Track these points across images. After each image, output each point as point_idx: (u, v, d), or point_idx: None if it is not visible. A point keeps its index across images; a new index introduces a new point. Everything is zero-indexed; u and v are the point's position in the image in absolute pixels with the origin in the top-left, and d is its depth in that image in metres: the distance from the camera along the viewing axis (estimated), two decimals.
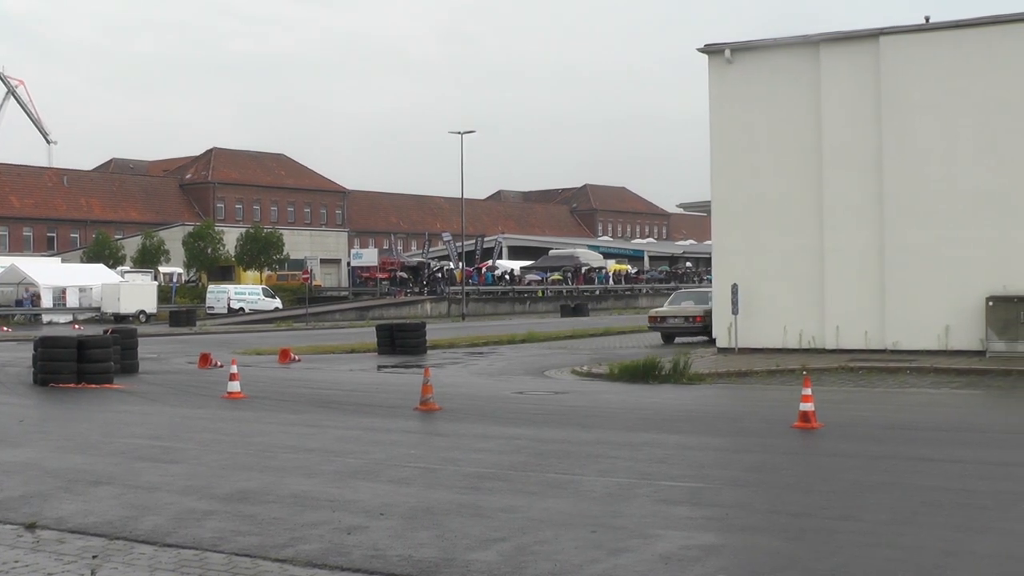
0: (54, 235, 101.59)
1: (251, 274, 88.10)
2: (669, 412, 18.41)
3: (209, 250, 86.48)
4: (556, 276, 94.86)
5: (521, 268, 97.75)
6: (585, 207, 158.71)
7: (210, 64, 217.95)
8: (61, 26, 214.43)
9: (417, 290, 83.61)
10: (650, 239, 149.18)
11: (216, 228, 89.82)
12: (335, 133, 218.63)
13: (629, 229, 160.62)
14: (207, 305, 72.98)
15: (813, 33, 30.56)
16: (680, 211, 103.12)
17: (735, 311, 29.97)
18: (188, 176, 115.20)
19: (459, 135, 74.69)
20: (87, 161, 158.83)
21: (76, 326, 56.38)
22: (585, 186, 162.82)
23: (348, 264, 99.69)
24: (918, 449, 13.90)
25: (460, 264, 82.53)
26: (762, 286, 30.20)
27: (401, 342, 35.29)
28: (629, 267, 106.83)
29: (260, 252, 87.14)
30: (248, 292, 75.90)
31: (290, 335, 51.22)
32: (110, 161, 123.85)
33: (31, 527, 9.61)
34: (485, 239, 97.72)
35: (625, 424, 16.58)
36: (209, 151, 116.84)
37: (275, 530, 9.37)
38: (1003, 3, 29.81)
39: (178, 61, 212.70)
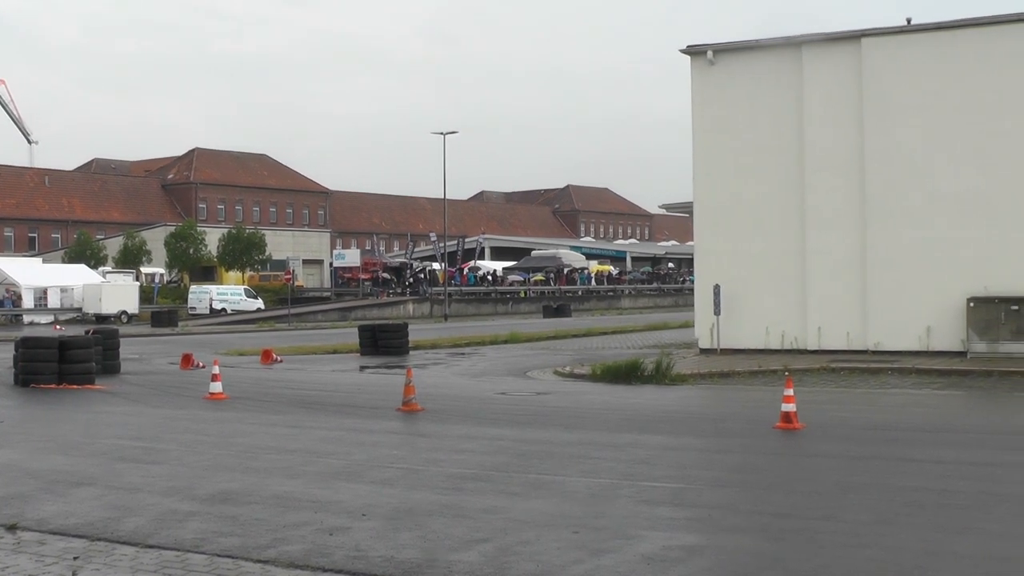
0: (35, 235, 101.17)
1: (233, 274, 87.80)
2: (651, 413, 18.43)
3: (191, 250, 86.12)
4: (538, 277, 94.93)
5: (503, 269, 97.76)
6: (567, 208, 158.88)
7: (192, 64, 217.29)
8: (43, 26, 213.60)
9: (400, 291, 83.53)
10: (632, 240, 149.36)
11: (198, 228, 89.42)
12: (318, 133, 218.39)
13: (611, 230, 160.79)
14: (189, 306, 72.78)
15: (795, 35, 30.66)
16: (662, 212, 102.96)
17: (717, 312, 30.04)
18: (170, 176, 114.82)
19: (441, 136, 74.72)
20: (69, 161, 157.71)
21: (57, 327, 56.13)
22: (567, 187, 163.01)
23: (331, 265, 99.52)
24: (899, 450, 13.95)
25: (443, 264, 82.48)
26: (744, 287, 30.26)
27: (383, 343, 35.30)
28: (612, 268, 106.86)
29: (242, 252, 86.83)
30: (230, 293, 75.71)
31: (272, 336, 51.16)
32: (92, 161, 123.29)
33: (12, 528, 9.57)
34: (467, 240, 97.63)
35: (608, 425, 16.60)
36: (191, 151, 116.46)
37: (257, 531, 9.35)
38: (985, 5, 29.96)
39: (161, 61, 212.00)
